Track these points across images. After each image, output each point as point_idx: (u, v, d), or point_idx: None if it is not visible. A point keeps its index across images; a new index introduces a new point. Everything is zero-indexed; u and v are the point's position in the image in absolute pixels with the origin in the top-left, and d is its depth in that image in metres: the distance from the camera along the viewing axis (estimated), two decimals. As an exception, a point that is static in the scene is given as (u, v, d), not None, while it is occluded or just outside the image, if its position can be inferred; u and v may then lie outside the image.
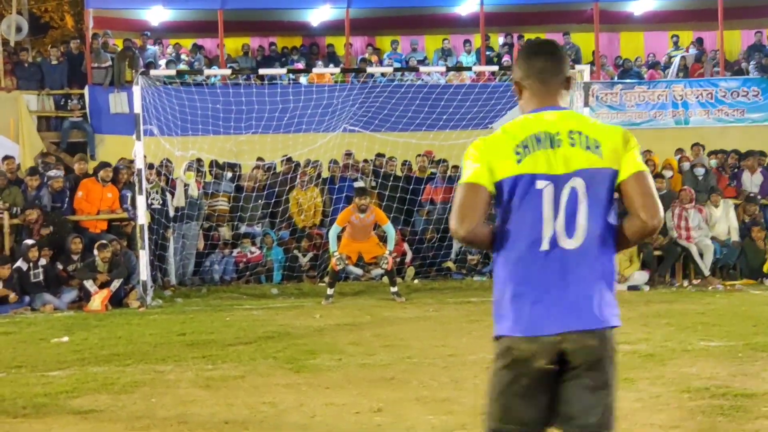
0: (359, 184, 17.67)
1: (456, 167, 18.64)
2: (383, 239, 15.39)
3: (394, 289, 15.15)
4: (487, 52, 24.14)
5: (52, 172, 17.18)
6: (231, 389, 9.03)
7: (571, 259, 3.85)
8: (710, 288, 16.31)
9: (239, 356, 10.64)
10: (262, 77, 20.06)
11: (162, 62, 23.21)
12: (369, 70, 18.41)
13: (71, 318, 14.29)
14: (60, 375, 9.95)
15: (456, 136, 18.50)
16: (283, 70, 18.48)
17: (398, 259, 17.17)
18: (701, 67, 23.86)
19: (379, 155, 18.81)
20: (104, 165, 17.18)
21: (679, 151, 19.50)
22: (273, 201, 17.79)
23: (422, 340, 11.59)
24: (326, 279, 15.47)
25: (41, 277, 15.26)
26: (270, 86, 18.82)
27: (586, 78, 16.16)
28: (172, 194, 17.00)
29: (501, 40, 25.56)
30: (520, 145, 3.89)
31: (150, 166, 16.47)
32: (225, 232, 17.72)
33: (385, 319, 13.28)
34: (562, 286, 3.84)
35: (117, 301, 15.18)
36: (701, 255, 16.88)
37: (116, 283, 15.21)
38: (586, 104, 15.97)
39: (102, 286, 15.14)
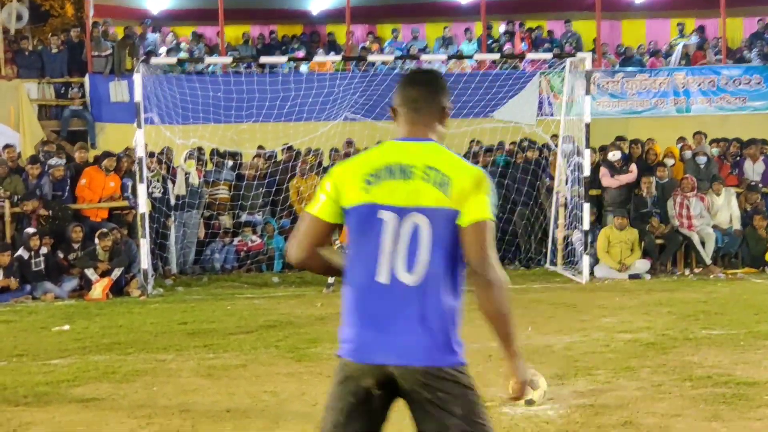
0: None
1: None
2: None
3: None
4: (489, 41, 24.08)
5: (52, 161, 17.16)
6: (232, 378, 9.05)
7: (409, 294, 3.81)
8: (712, 276, 16.28)
9: (240, 345, 10.65)
10: (262, 65, 20.02)
11: (162, 50, 23.15)
12: (370, 58, 18.34)
13: (72, 306, 14.29)
14: (61, 363, 9.97)
15: (457, 124, 18.39)
16: (284, 59, 18.43)
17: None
18: (703, 55, 23.79)
19: (380, 143, 18.72)
20: (108, 154, 17.15)
21: (681, 139, 19.45)
22: (274, 189, 17.75)
23: (423, 329, 11.55)
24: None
25: (42, 266, 15.23)
26: (270, 74, 18.78)
27: (588, 66, 16.08)
28: (173, 183, 16.98)
29: (502, 28, 25.45)
30: (372, 174, 3.88)
31: (151, 155, 16.44)
32: (226, 220, 17.68)
33: (386, 308, 13.23)
34: (395, 319, 3.81)
35: (118, 289, 15.16)
36: (703, 243, 16.85)
37: (117, 272, 15.20)
38: (588, 92, 15.90)
39: (103, 274, 15.12)
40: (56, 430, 7.41)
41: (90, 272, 15.13)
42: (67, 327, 12.20)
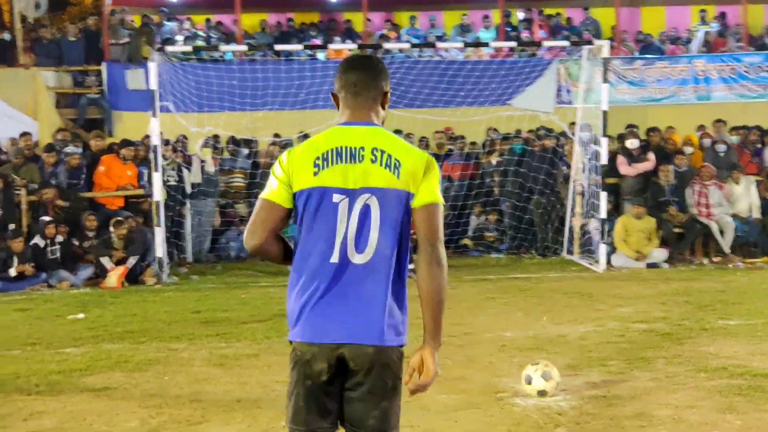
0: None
1: (474, 143, 18.54)
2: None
3: (410, 266, 15.01)
4: (507, 28, 23.94)
5: (68, 149, 17.18)
6: (244, 368, 9.03)
7: (359, 274, 3.90)
8: (730, 266, 16.15)
9: (253, 334, 10.62)
10: (279, 53, 19.96)
11: (179, 38, 23.12)
12: (386, 46, 18.21)
13: (87, 295, 14.30)
14: (75, 352, 9.97)
15: (473, 112, 18.37)
16: (300, 47, 18.35)
17: (415, 237, 17.04)
18: (724, 42, 23.59)
19: (397, 132, 18.68)
20: (126, 143, 17.18)
21: (701, 127, 19.30)
22: (290, 177, 17.65)
23: (438, 318, 11.49)
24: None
25: (58, 254, 15.25)
26: (286, 62, 18.73)
27: (605, 53, 15.94)
28: (189, 171, 16.96)
29: (521, 15, 25.34)
30: (320, 157, 3.95)
31: (166, 143, 16.42)
32: (241, 208, 17.65)
33: (400, 296, 13.17)
34: (345, 299, 3.89)
35: (133, 278, 15.17)
36: (721, 232, 16.72)
37: (132, 260, 15.20)
38: (605, 80, 15.77)
39: (118, 263, 15.14)
40: (67, 420, 7.40)
41: (105, 260, 15.13)
42: (81, 315, 12.22)
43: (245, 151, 18.26)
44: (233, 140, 18.26)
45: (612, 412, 7.26)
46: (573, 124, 17.65)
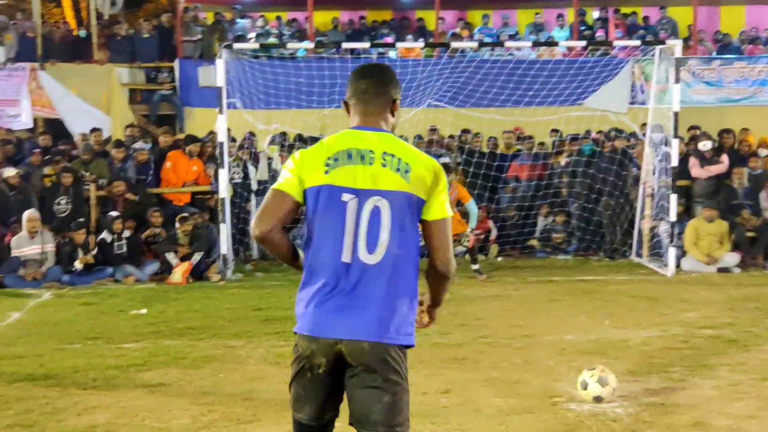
0: (444, 160, 17.47)
1: (542, 144, 18.33)
2: (466, 216, 15.15)
3: (475, 267, 14.94)
4: (582, 27, 23.65)
5: (137, 145, 17.34)
6: (299, 367, 8.96)
7: (368, 273, 4.04)
8: (805, 271, 15.77)
9: (312, 333, 10.55)
10: (352, 51, 19.93)
11: (251, 36, 23.22)
12: (452, 45, 18.11)
13: (152, 290, 14.40)
14: (133, 347, 10.05)
15: (542, 112, 18.16)
16: (367, 44, 18.28)
17: (482, 237, 16.97)
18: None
19: (465, 131, 18.58)
20: (192, 139, 17.28)
21: (778, 129, 18.89)
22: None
23: (499, 320, 11.41)
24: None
25: (125, 249, 15.39)
26: (354, 60, 18.65)
27: (678, 53, 15.62)
28: (256, 168, 17.01)
29: (596, 14, 25.03)
30: (332, 157, 4.12)
31: (232, 140, 16.49)
32: (308, 205, 17.62)
33: (464, 297, 13.09)
34: (352, 298, 4.04)
35: (198, 274, 15.24)
36: (796, 237, 16.32)
37: (197, 256, 15.27)
38: (677, 80, 15.45)
39: (183, 258, 15.22)
40: (119, 415, 7.43)
41: (170, 256, 15.23)
42: (144, 311, 12.33)
43: (313, 148, 18.22)
44: (300, 138, 18.26)
45: (669, 420, 7.10)
46: (644, 125, 17.36)
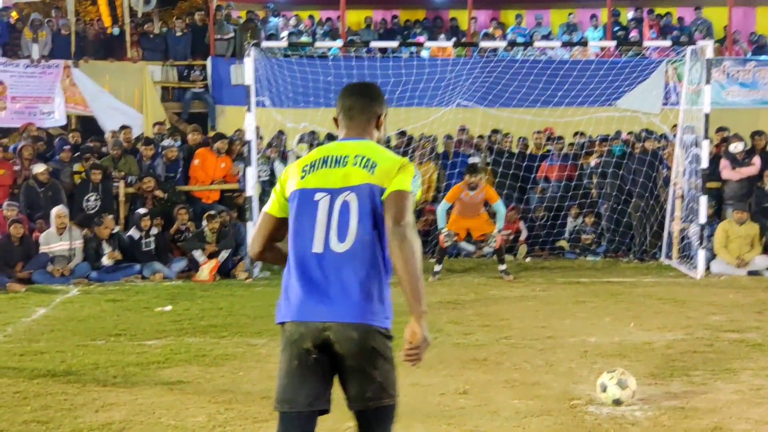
0: (474, 159, 17.43)
1: (572, 145, 18.21)
2: (493, 216, 15.09)
3: (502, 267, 14.87)
4: (615, 28, 23.50)
5: (166, 142, 17.40)
6: (319, 365, 8.94)
7: (341, 260, 4.32)
8: (836, 275, 15.56)
9: (335, 332, 10.54)
10: (382, 50, 19.91)
11: (284, 34, 23.26)
12: (482, 44, 18.04)
13: (178, 287, 14.43)
14: (155, 344, 10.07)
15: (572, 113, 18.02)
16: (395, 44, 18.25)
17: (512, 237, 16.90)
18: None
19: (495, 131, 18.49)
20: (220, 136, 17.33)
21: (812, 132, 18.63)
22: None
23: (523, 321, 11.34)
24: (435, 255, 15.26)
25: (152, 246, 15.45)
26: (383, 59, 18.62)
27: (709, 54, 15.45)
28: (283, 166, 17.01)
29: (630, 14, 24.87)
30: (309, 165, 4.51)
31: (260, 138, 16.50)
32: (338, 204, 17.61)
33: (489, 297, 13.03)
34: (330, 283, 4.31)
35: (225, 272, 15.26)
36: (829, 240, 16.12)
37: (224, 254, 15.29)
38: (708, 82, 15.28)
39: (211, 256, 15.25)
40: (136, 413, 7.44)
41: (198, 254, 15.27)
42: (169, 308, 12.35)
43: (343, 147, 18.20)
44: (330, 136, 18.24)
45: (687, 424, 7.01)
46: (675, 126, 17.21)
